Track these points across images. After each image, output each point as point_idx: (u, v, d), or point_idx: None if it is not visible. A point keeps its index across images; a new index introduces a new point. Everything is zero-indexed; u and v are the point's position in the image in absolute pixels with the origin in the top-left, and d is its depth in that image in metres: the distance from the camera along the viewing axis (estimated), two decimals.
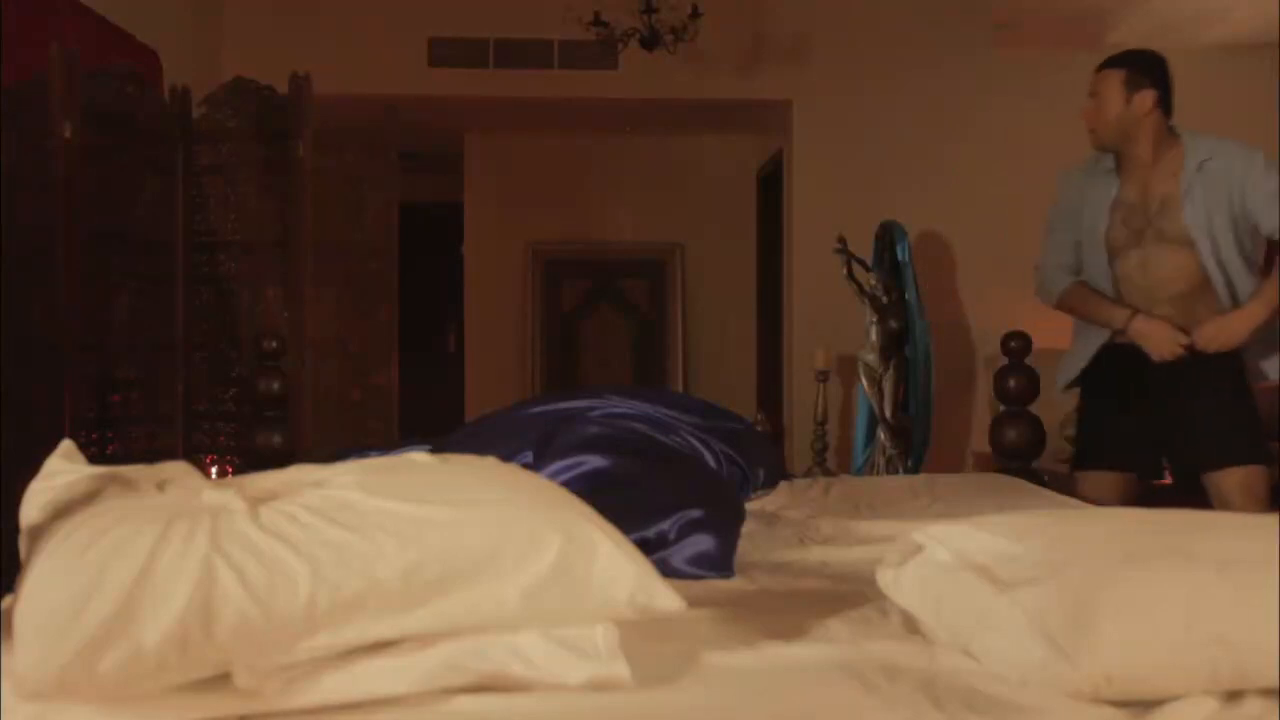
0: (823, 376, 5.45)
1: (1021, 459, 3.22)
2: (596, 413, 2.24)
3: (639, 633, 1.29)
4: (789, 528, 2.30)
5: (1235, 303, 3.02)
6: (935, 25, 5.87)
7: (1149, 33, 5.89)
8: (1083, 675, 1.16)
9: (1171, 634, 1.17)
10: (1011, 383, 3.25)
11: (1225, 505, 2.88)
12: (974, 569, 1.36)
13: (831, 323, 5.58)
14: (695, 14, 5.34)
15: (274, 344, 3.21)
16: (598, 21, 5.42)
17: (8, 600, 1.25)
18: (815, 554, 2.07)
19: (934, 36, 5.84)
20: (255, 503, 1.22)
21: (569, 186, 7.14)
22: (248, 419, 3.51)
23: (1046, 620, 1.21)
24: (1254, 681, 1.18)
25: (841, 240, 5.21)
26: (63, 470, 1.32)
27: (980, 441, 4.79)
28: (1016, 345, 3.25)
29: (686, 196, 7.11)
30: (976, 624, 1.31)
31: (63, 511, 1.23)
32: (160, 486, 1.34)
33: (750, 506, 2.34)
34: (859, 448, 5.37)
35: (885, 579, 1.50)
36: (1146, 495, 3.35)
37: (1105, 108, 2.99)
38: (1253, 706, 1.17)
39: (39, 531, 1.22)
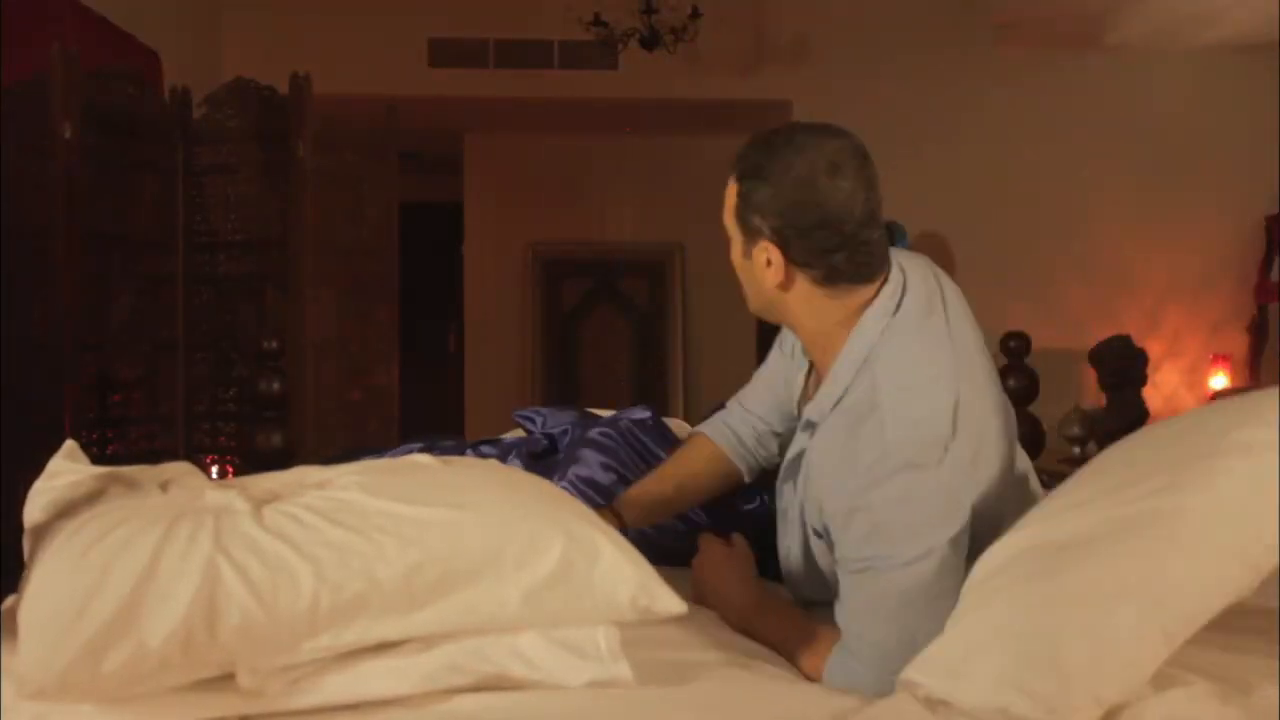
0: None
1: None
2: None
3: (641, 633, 1.29)
4: None
5: None
6: (935, 26, 5.87)
7: (1148, 34, 5.91)
8: (1085, 714, 1.16)
9: (1127, 629, 1.18)
10: (1011, 383, 3.25)
11: None
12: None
13: None
14: (695, 14, 5.34)
15: (274, 344, 3.21)
16: (598, 22, 5.42)
17: (11, 600, 1.25)
18: None
19: (934, 37, 5.85)
20: (258, 503, 1.22)
21: (569, 186, 7.15)
22: (248, 419, 3.51)
23: (1018, 676, 1.18)
24: (1196, 624, 1.20)
25: None
26: (66, 470, 1.32)
27: None
28: (1016, 345, 3.25)
29: (686, 196, 7.10)
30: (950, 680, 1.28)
31: (66, 511, 1.23)
32: (163, 487, 1.34)
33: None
34: None
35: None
36: None
37: (734, 258, 1.63)
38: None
39: (42, 531, 1.22)
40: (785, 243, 1.49)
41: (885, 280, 1.52)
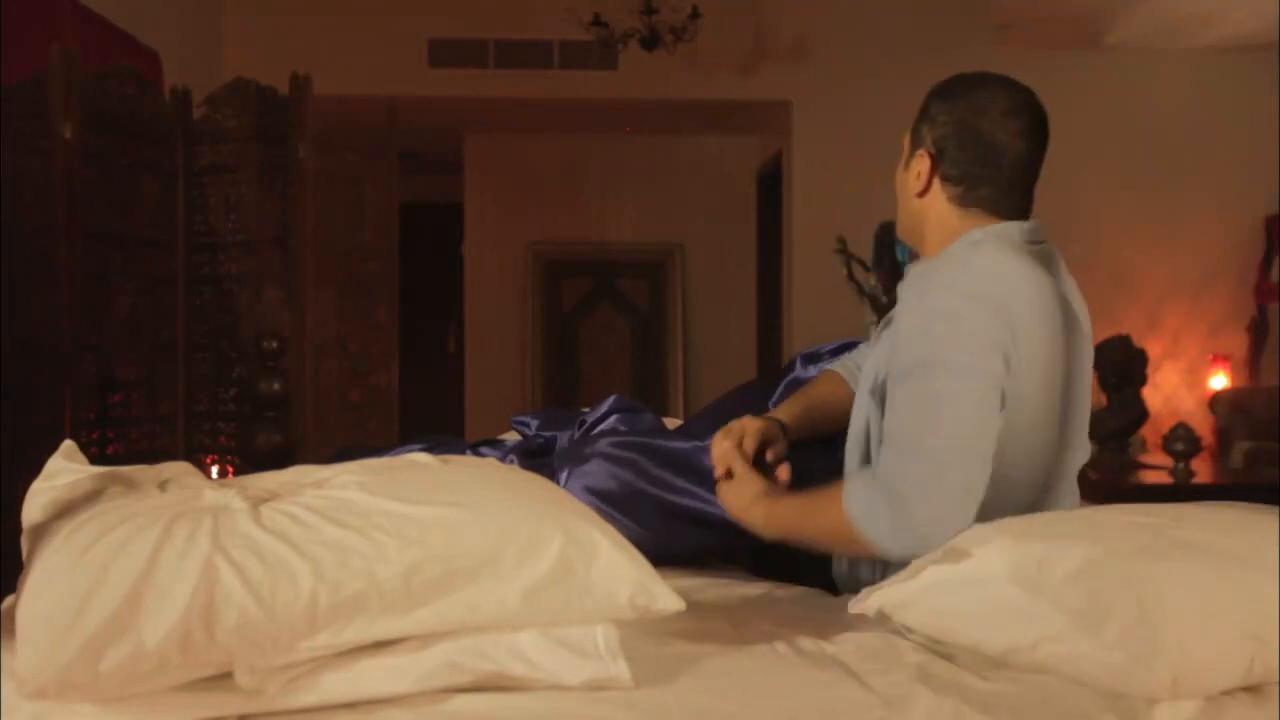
0: None
1: None
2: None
3: (640, 634, 1.29)
4: None
5: None
6: (935, 25, 5.87)
7: (1148, 34, 5.91)
8: (1156, 679, 1.16)
9: (1222, 634, 1.19)
10: None
11: None
12: (993, 573, 1.34)
13: (831, 323, 5.58)
14: (695, 14, 5.34)
15: (274, 344, 3.21)
16: (597, 22, 5.43)
17: (9, 600, 1.25)
18: None
19: (934, 37, 5.85)
20: (256, 503, 1.22)
21: (569, 186, 7.15)
22: (248, 419, 3.50)
23: (1104, 625, 1.20)
24: (1274, 673, 1.21)
25: (841, 241, 5.22)
26: (65, 470, 1.32)
27: None
28: None
29: (686, 196, 7.12)
30: (1010, 631, 1.28)
31: (65, 511, 1.23)
32: (162, 486, 1.34)
33: None
34: None
35: (871, 604, 1.44)
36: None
37: (897, 173, 1.76)
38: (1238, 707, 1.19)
39: (41, 531, 1.22)
40: (940, 153, 1.64)
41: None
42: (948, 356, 1.47)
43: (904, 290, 1.67)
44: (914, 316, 1.55)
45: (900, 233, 1.77)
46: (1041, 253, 1.62)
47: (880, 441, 1.60)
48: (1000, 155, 1.61)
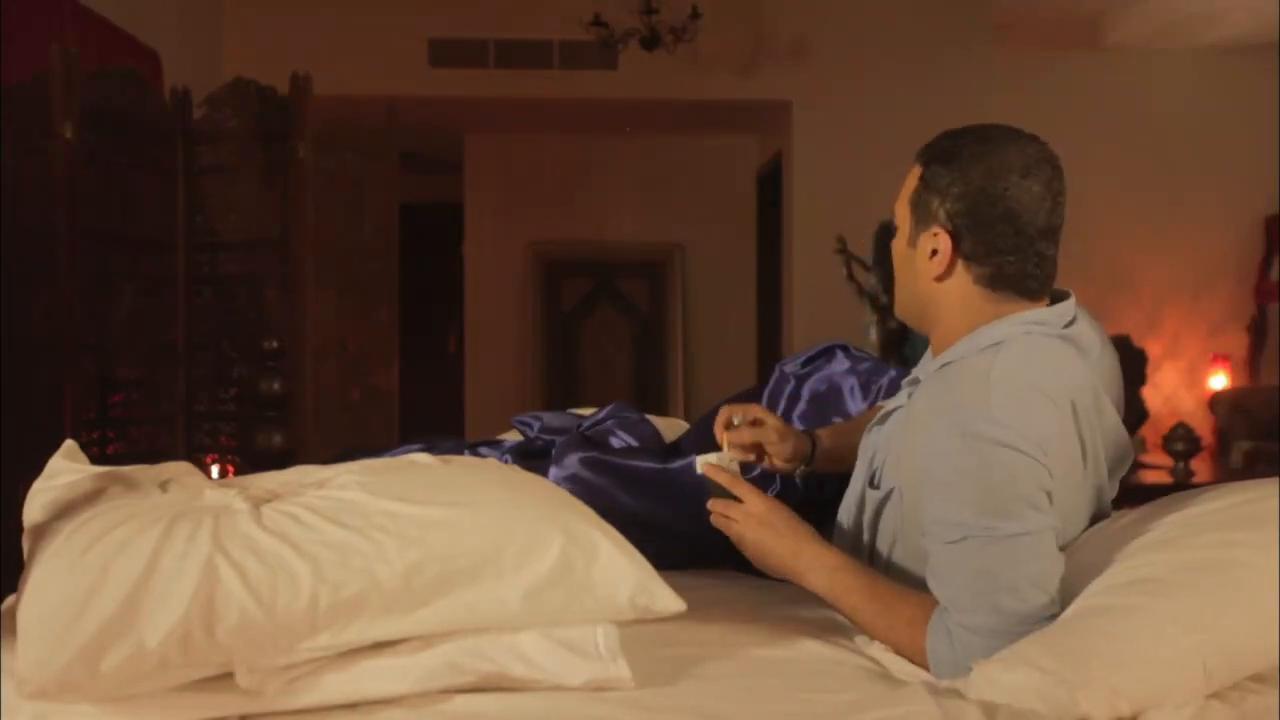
0: None
1: None
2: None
3: (641, 634, 1.29)
4: None
5: None
6: (935, 26, 5.88)
7: (1148, 34, 5.91)
8: (1090, 701, 1.16)
9: (1164, 652, 1.19)
10: None
11: None
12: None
13: (831, 323, 5.58)
14: (695, 14, 5.35)
15: (274, 344, 3.21)
16: (597, 22, 5.43)
17: (10, 600, 1.25)
18: None
19: (934, 37, 5.85)
20: (257, 503, 1.22)
21: (569, 186, 7.15)
22: (248, 419, 3.51)
23: (1039, 654, 1.20)
24: (1237, 672, 1.22)
25: (841, 241, 5.22)
26: (65, 470, 1.32)
27: None
28: None
29: (686, 196, 7.12)
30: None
31: (65, 511, 1.23)
32: (162, 486, 1.34)
33: None
34: None
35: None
36: None
37: (895, 248, 1.58)
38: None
39: (41, 531, 1.22)
40: (958, 232, 1.43)
41: (1050, 305, 1.46)
42: (998, 525, 1.31)
43: (923, 393, 1.46)
44: (940, 442, 1.36)
45: (901, 312, 1.57)
46: (1073, 335, 1.45)
47: (875, 517, 1.54)
48: (1026, 224, 1.41)
